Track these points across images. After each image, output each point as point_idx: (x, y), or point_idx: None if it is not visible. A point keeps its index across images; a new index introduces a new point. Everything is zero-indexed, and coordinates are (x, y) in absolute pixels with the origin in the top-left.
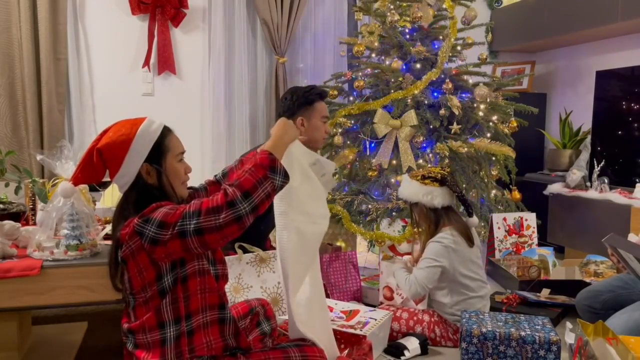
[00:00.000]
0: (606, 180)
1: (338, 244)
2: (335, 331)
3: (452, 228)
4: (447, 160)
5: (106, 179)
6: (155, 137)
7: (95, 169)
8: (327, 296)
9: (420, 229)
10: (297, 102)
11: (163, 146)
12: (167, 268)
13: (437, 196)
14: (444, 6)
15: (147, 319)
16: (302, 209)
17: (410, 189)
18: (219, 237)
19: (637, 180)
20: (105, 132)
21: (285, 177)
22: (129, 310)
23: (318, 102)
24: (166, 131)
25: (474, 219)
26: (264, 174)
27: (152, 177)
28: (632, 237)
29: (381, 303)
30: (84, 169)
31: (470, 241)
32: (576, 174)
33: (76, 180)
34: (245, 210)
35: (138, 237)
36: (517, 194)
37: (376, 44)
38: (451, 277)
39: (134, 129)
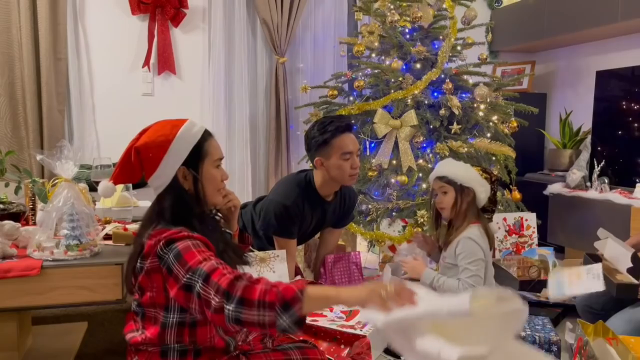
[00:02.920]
0: (606, 180)
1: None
2: (335, 331)
3: (480, 226)
4: None
5: (106, 178)
6: (196, 140)
7: (133, 168)
8: None
9: (449, 215)
10: (313, 140)
11: (202, 150)
12: (176, 307)
13: (485, 192)
14: (444, 6)
15: (151, 338)
16: None
17: (469, 173)
18: (214, 318)
19: (637, 180)
20: (144, 131)
21: (296, 324)
22: (137, 319)
23: (336, 138)
24: (207, 135)
25: (494, 226)
26: (272, 302)
27: (188, 181)
28: (603, 238)
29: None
30: (123, 168)
31: (492, 243)
32: (576, 174)
33: (116, 179)
34: (229, 314)
35: (157, 259)
36: (517, 194)
37: (376, 44)
38: None
39: (174, 130)
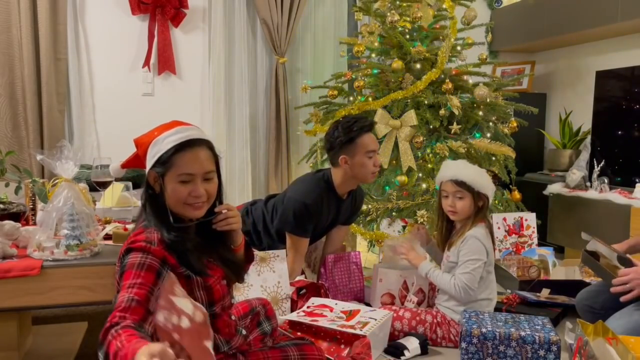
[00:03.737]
0: (606, 180)
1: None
2: (335, 331)
3: (485, 226)
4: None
5: (107, 178)
6: (165, 148)
7: (140, 158)
8: (328, 296)
9: (459, 219)
10: (338, 140)
11: (168, 162)
12: None
13: (492, 196)
14: (444, 6)
15: None
16: None
17: (486, 179)
18: None
19: (637, 180)
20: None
21: None
22: None
23: (360, 137)
24: (183, 146)
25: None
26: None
27: (157, 185)
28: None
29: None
30: (136, 156)
31: (493, 242)
32: (576, 174)
33: (125, 163)
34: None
35: (119, 264)
36: (517, 194)
37: (376, 44)
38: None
39: (157, 133)
